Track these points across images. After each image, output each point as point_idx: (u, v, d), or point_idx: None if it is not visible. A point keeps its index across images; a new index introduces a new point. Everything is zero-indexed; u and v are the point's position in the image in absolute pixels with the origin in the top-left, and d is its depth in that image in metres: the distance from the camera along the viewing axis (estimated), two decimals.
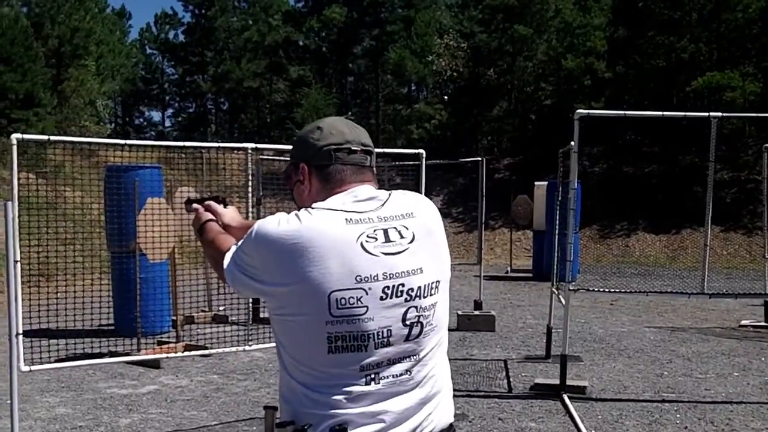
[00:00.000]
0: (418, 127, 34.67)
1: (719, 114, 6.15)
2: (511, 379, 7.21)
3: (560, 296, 7.16)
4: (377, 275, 1.66)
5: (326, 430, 1.64)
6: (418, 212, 1.77)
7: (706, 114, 6.15)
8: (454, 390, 6.39)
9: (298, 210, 1.73)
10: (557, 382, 6.59)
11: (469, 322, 9.86)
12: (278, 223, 1.68)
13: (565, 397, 6.37)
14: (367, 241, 1.67)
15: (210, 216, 2.26)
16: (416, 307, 1.69)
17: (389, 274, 1.67)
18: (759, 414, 6.07)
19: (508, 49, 32.82)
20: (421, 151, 6.55)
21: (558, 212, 8.19)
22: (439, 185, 29.29)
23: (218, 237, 2.08)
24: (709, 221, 6.81)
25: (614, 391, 6.79)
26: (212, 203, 2.33)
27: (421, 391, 1.73)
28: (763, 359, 8.14)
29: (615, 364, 7.90)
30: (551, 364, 7.58)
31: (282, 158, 15.06)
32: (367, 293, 1.65)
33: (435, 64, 33.45)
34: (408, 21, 38.14)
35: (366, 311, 1.65)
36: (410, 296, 1.68)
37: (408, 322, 1.68)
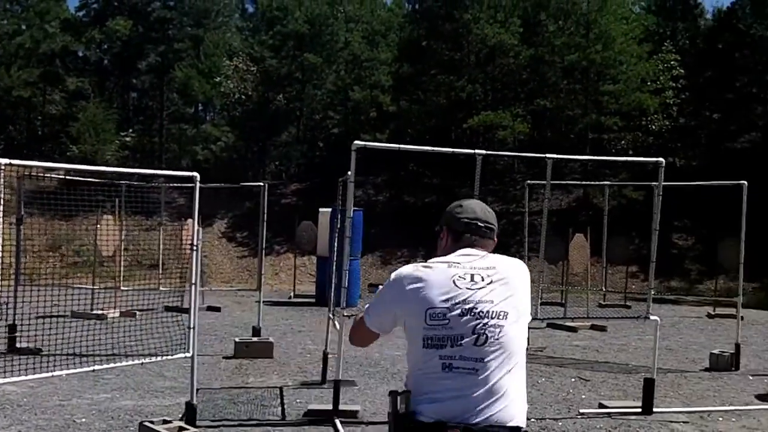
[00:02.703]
0: (204, 148, 34.02)
1: (483, 152, 6.59)
2: (285, 406, 7.17)
3: (336, 322, 7.27)
4: (459, 301, 2.50)
5: (424, 400, 2.46)
6: (500, 267, 2.62)
7: (472, 151, 6.57)
8: (228, 419, 6.19)
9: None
10: (330, 407, 6.66)
11: (247, 350, 9.74)
12: (409, 269, 2.63)
13: (337, 422, 6.45)
14: (458, 279, 2.55)
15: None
16: (484, 323, 2.48)
17: (467, 301, 2.50)
18: None
19: (298, 76, 33.20)
20: (195, 174, 6.37)
21: (337, 239, 8.33)
22: (224, 208, 28.83)
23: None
24: None
25: (385, 414, 6.94)
26: None
27: (488, 388, 2.44)
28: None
29: (388, 387, 8.08)
30: (326, 390, 7.63)
31: (52, 175, 14.13)
32: (450, 311, 2.49)
33: (223, 85, 33.08)
34: (196, 40, 37.45)
35: (448, 323, 2.48)
36: (480, 316, 2.49)
37: (476, 333, 2.47)
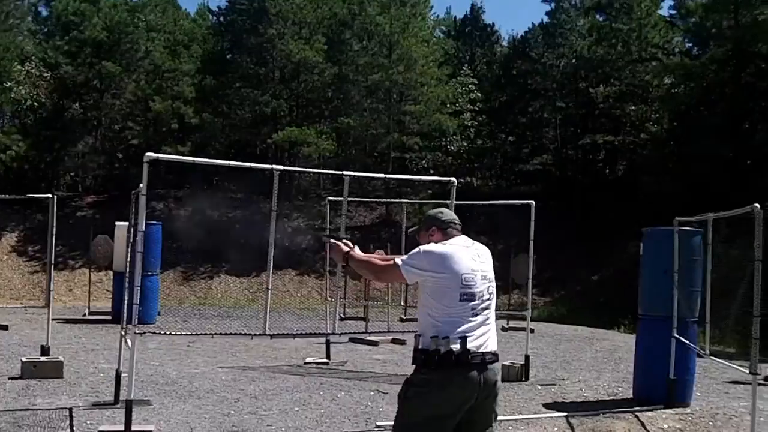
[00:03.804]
0: None
1: (280, 167, 6.68)
2: (75, 428, 6.86)
3: (128, 339, 7.06)
4: (478, 270, 3.75)
5: (457, 337, 3.62)
6: (483, 250, 3.91)
7: (270, 166, 6.65)
8: None
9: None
10: (122, 428, 6.46)
11: (35, 370, 9.20)
12: (435, 246, 3.79)
13: None
14: (473, 257, 3.78)
15: (348, 249, 3.98)
16: (490, 285, 3.81)
17: (481, 270, 3.77)
18: None
19: (96, 85, 31.83)
20: None
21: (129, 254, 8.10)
22: (14, 221, 27.05)
23: (371, 259, 4.05)
24: (271, 266, 7.29)
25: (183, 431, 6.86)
26: (347, 241, 4.04)
27: (491, 324, 3.78)
28: (321, 393, 8.84)
29: (185, 406, 7.96)
30: (119, 410, 7.37)
31: None
32: (475, 276, 3.72)
33: (14, 91, 30.97)
34: None
35: (475, 284, 3.71)
36: (488, 280, 3.80)
37: (488, 291, 3.79)
